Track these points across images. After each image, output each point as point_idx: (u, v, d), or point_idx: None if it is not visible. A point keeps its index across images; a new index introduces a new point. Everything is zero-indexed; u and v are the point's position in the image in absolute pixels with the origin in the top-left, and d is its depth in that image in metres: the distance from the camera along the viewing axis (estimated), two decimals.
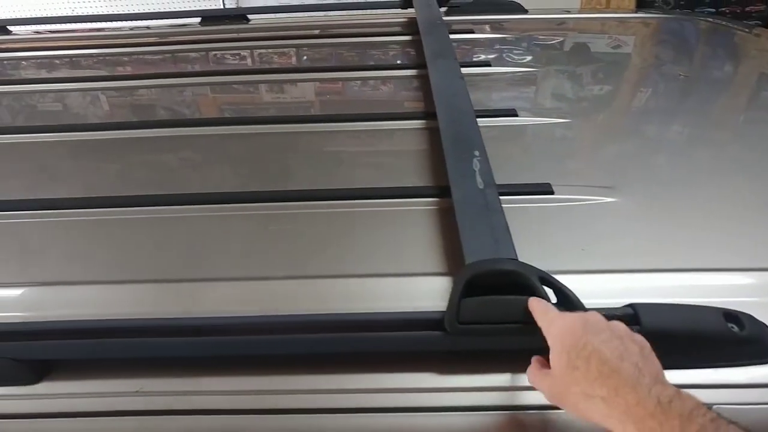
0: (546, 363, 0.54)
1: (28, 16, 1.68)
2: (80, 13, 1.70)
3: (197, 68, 1.47)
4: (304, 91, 1.32)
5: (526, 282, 0.63)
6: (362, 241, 0.80)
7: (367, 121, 1.08)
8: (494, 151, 0.88)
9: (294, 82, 1.33)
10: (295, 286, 0.72)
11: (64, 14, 1.74)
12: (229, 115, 1.20)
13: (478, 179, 0.80)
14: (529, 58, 1.41)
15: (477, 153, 0.85)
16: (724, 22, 1.71)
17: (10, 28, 1.71)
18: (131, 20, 1.76)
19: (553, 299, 0.62)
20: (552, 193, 0.85)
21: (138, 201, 0.86)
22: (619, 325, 0.51)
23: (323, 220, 0.84)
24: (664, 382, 0.44)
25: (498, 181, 0.82)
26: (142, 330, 0.62)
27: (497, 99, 1.19)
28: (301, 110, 1.23)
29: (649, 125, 1.07)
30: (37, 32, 1.83)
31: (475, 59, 1.34)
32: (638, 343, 0.49)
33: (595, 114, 1.13)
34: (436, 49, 1.23)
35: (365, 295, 0.70)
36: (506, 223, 0.73)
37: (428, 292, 0.69)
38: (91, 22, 1.78)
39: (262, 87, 1.34)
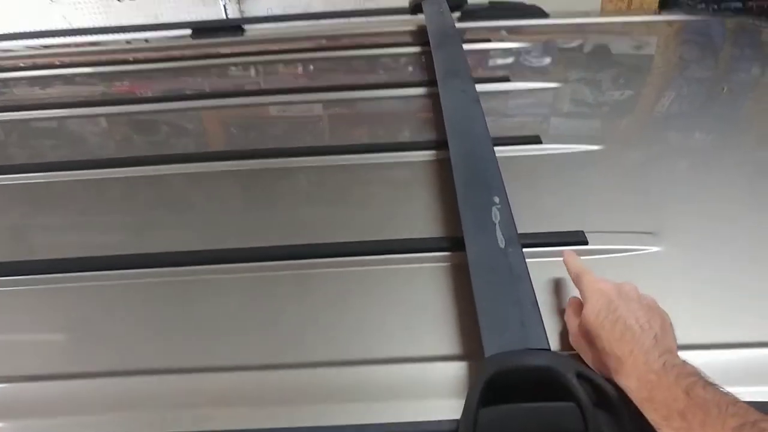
0: (580, 308, 0.57)
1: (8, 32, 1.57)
2: (65, 27, 1.59)
3: (179, 91, 1.32)
4: (295, 116, 1.18)
5: (562, 381, 0.50)
6: (349, 315, 0.66)
7: (366, 153, 0.95)
8: (515, 190, 0.75)
9: (284, 104, 1.19)
10: (260, 378, 0.59)
11: (48, 28, 1.61)
12: (194, 151, 1.05)
13: (499, 235, 0.67)
14: (552, 70, 1.26)
15: (497, 199, 0.72)
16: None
17: None
18: (119, 33, 1.64)
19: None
20: (585, 243, 0.72)
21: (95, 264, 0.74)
22: (648, 298, 0.56)
23: (298, 288, 0.70)
24: (674, 354, 0.49)
25: (521, 228, 0.70)
26: None
27: (518, 122, 1.05)
28: (290, 139, 1.08)
29: (696, 154, 0.93)
30: (29, 47, 1.72)
31: (491, 74, 1.20)
32: (661, 317, 0.53)
33: (631, 139, 0.98)
34: (448, 64, 1.09)
35: (349, 390, 0.57)
36: (534, 295, 0.59)
37: (435, 387, 0.56)
38: (73, 35, 1.66)
39: (249, 111, 1.20)
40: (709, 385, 0.44)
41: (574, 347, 0.57)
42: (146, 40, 1.67)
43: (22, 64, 1.51)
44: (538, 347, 0.54)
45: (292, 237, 0.76)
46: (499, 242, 0.66)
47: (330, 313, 0.66)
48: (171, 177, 0.95)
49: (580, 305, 0.58)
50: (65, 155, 1.07)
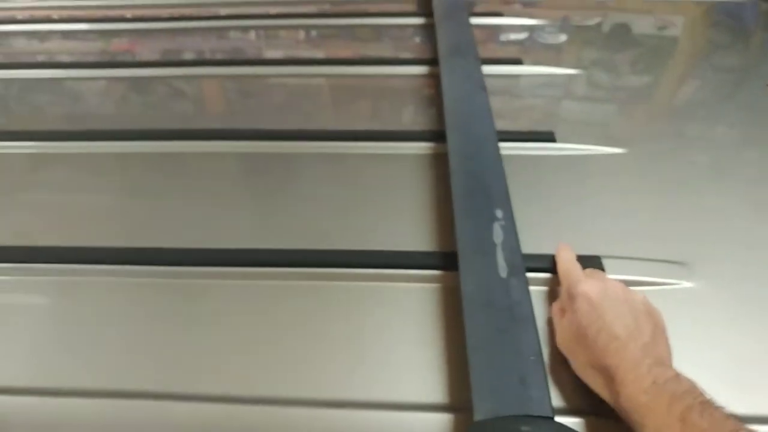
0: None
1: None
2: None
3: (166, 57, 1.21)
4: (273, 91, 1.03)
5: None
6: (307, 341, 0.55)
7: (350, 141, 0.82)
8: (520, 198, 0.64)
9: (261, 78, 1.05)
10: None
11: None
12: (167, 127, 0.91)
13: (500, 261, 0.55)
14: (571, 53, 1.13)
15: (500, 213, 0.60)
16: None
17: None
18: None
19: None
20: (602, 270, 0.60)
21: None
22: (638, 298, 0.50)
23: (247, 303, 0.59)
24: (665, 365, 0.44)
25: (524, 247, 0.58)
26: None
27: (529, 114, 0.92)
28: (263, 118, 0.94)
29: (740, 165, 0.80)
30: None
31: (502, 54, 1.06)
32: (653, 320, 0.48)
33: (659, 142, 0.84)
34: (452, 41, 0.96)
35: None
36: (539, 343, 0.48)
37: None
38: None
39: (222, 82, 1.06)
40: (707, 408, 0.38)
41: (560, 349, 0.51)
42: None
43: (19, 17, 1.39)
44: (540, 414, 0.43)
45: (242, 239, 0.66)
46: (500, 270, 0.54)
47: (285, 337, 0.55)
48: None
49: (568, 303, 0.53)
50: (37, 124, 0.96)
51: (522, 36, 1.20)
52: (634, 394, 0.41)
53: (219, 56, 1.19)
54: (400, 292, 0.59)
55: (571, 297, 0.51)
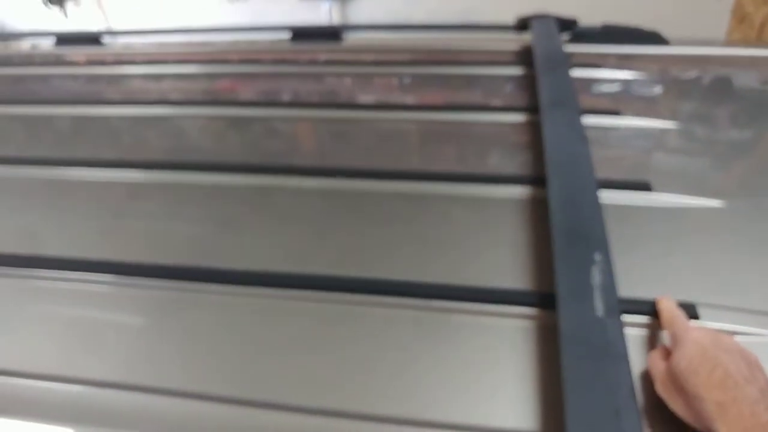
0: (667, 355, 0.55)
1: (117, 29, 1.66)
2: (167, 26, 1.67)
3: (265, 98, 1.33)
4: (380, 133, 1.12)
5: None
6: (408, 363, 0.61)
7: (451, 182, 0.88)
8: (616, 244, 0.67)
9: (370, 121, 1.15)
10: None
11: (147, 27, 1.70)
12: (261, 162, 1.00)
13: (597, 301, 0.59)
14: (669, 106, 1.15)
15: (598, 257, 0.64)
16: None
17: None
18: (221, 33, 1.67)
19: None
20: (696, 318, 0.62)
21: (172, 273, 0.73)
22: (751, 354, 0.51)
23: (352, 325, 0.66)
24: None
25: (619, 290, 0.61)
26: None
27: (625, 164, 0.95)
28: (370, 159, 1.02)
29: None
30: (147, 44, 1.79)
31: (600, 105, 1.10)
32: (765, 374, 0.49)
33: (760, 196, 0.85)
34: (554, 93, 1.01)
35: None
36: (632, 380, 0.51)
37: None
38: (178, 34, 1.72)
39: (331, 125, 1.15)
40: None
41: (661, 394, 0.53)
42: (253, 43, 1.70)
43: (139, 59, 1.57)
44: None
45: (352, 268, 0.73)
46: (597, 310, 0.58)
47: (385, 358, 0.62)
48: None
49: (666, 351, 0.55)
50: (143, 155, 1.08)
51: (620, 88, 1.23)
52: (751, 425, 0.44)
53: (314, 99, 1.29)
54: (499, 327, 0.64)
55: (680, 341, 0.53)
